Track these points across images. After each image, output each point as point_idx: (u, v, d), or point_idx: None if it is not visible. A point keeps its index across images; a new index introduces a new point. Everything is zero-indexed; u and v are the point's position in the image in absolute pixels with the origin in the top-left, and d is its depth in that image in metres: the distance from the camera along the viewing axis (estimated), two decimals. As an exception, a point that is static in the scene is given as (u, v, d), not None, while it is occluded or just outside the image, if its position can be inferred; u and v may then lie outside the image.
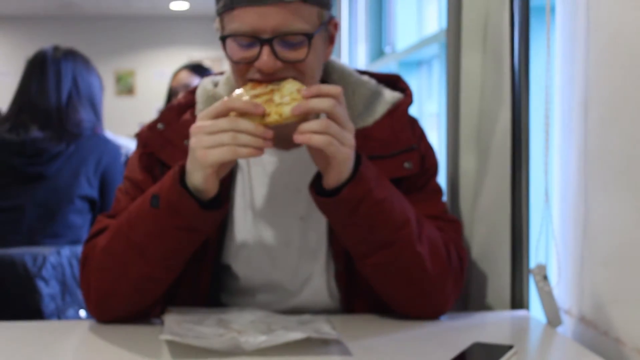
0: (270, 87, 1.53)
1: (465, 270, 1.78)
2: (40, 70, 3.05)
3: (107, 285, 1.65)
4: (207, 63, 4.49)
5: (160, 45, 16.26)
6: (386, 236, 1.60)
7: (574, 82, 1.74)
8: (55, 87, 3.02)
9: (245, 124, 1.46)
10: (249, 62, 1.57)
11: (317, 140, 1.46)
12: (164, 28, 16.20)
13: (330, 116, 1.48)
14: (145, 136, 1.77)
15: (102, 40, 10.92)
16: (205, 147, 1.46)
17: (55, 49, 3.13)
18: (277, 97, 1.51)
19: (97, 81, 3.19)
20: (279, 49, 1.55)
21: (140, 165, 1.77)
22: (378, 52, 6.10)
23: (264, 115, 1.47)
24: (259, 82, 1.55)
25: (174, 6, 14.91)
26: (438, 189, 1.83)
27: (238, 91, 1.55)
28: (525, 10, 1.87)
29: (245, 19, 1.54)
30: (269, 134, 1.46)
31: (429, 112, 4.94)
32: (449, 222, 1.79)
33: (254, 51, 1.56)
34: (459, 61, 2.08)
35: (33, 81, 3.05)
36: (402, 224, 1.60)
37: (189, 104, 1.81)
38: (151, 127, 1.79)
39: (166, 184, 1.54)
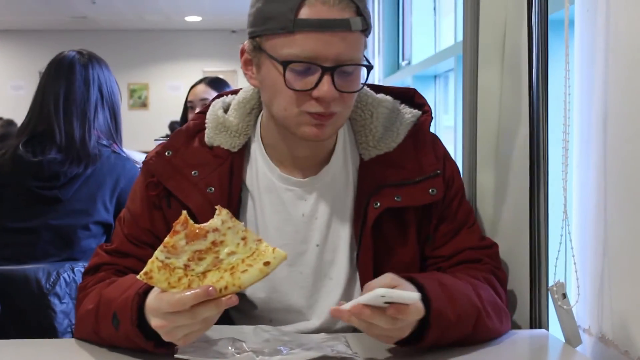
0: (210, 238, 1.40)
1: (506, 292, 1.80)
2: (67, 78, 2.93)
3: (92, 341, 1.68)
4: (221, 77, 4.43)
5: (173, 58, 16.35)
6: (464, 336, 1.58)
7: (593, 97, 1.74)
8: (83, 96, 2.93)
9: (205, 312, 1.35)
10: (305, 90, 1.55)
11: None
12: (177, 41, 16.29)
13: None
14: (153, 164, 1.76)
15: (115, 54, 10.99)
16: (170, 335, 1.41)
17: (80, 52, 3.03)
18: (223, 253, 1.40)
19: (118, 89, 3.11)
20: (336, 78, 1.54)
21: (142, 196, 1.77)
22: (394, 65, 6.11)
23: (220, 290, 1.35)
24: (193, 234, 1.39)
25: (189, 19, 14.95)
26: (470, 210, 1.84)
27: (170, 249, 1.39)
28: (543, 24, 1.87)
29: (308, 44, 1.52)
30: (233, 301, 1.36)
31: (445, 126, 4.94)
32: (486, 248, 1.80)
33: (311, 78, 1.54)
34: (476, 75, 2.07)
35: (58, 90, 2.92)
36: (476, 319, 1.59)
37: (198, 129, 1.80)
38: (159, 154, 1.77)
39: (126, 314, 1.47)
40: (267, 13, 1.56)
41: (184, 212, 1.40)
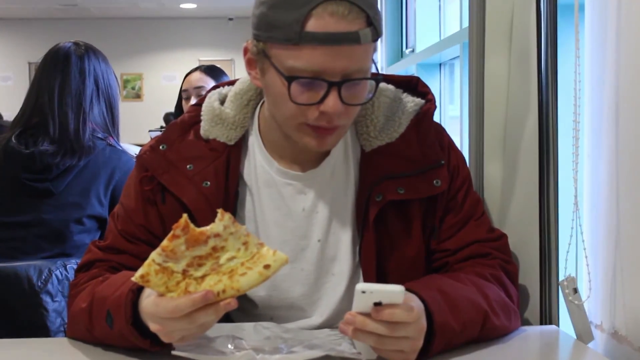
0: (210, 244, 1.39)
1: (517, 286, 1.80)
2: (63, 69, 2.95)
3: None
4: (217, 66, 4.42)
5: (168, 47, 16.35)
6: (472, 340, 1.59)
7: (604, 85, 1.74)
8: (79, 88, 2.95)
9: (203, 317, 1.36)
10: (311, 104, 1.54)
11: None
12: (172, 29, 16.29)
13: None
14: (147, 158, 1.76)
15: (107, 43, 10.91)
16: (167, 337, 1.42)
17: (77, 44, 3.04)
18: (223, 258, 1.40)
19: (115, 81, 3.11)
20: (343, 91, 1.52)
21: (136, 191, 1.77)
22: (397, 53, 6.11)
23: (218, 294, 1.35)
24: (193, 239, 1.37)
25: (184, 6, 14.95)
26: (478, 201, 1.84)
27: (168, 253, 1.37)
28: (552, 9, 1.87)
29: (314, 58, 1.50)
30: (232, 305, 1.37)
31: (450, 116, 4.94)
32: (495, 240, 1.80)
33: (317, 92, 1.52)
34: (483, 63, 2.08)
35: (54, 81, 2.94)
36: (484, 320, 1.60)
37: (193, 122, 1.80)
38: (153, 148, 1.77)
39: (120, 313, 1.49)
40: (272, 20, 1.53)
41: (185, 215, 1.38)
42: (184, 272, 1.38)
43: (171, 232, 1.37)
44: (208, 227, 1.39)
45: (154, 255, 1.37)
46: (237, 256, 1.40)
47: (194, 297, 1.34)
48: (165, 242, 1.37)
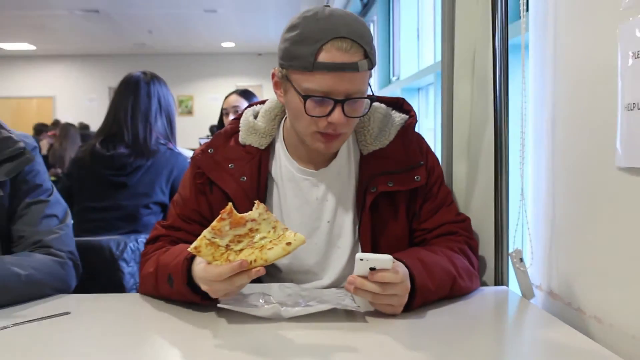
0: (248, 226, 1.41)
1: (477, 256, 1.80)
2: (134, 92, 2.98)
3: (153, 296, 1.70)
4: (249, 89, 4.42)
5: (212, 75, 16.35)
6: (443, 297, 1.61)
7: (544, 104, 1.74)
8: (146, 106, 2.97)
9: (239, 280, 1.38)
10: (321, 117, 1.54)
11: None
12: (215, 62, 16.29)
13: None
14: (199, 159, 1.76)
15: (167, 72, 10.94)
16: (214, 294, 1.45)
17: (144, 73, 3.07)
18: (257, 237, 1.42)
19: (173, 101, 3.12)
20: (345, 107, 1.53)
21: (191, 183, 1.77)
22: (386, 80, 6.10)
23: (250, 263, 1.37)
24: (235, 222, 1.40)
25: (225, 45, 14.95)
26: (448, 192, 1.83)
27: (216, 231, 1.40)
28: (505, 47, 1.87)
29: (324, 81, 1.50)
30: (261, 272, 1.37)
31: (427, 127, 4.94)
32: (461, 222, 1.80)
33: (326, 107, 1.53)
34: (452, 87, 2.07)
35: (127, 101, 2.97)
36: (452, 283, 1.61)
37: (234, 131, 1.79)
38: (203, 151, 1.77)
39: (178, 275, 1.51)
40: (293, 53, 1.53)
41: (230, 204, 1.40)
42: (227, 247, 1.40)
43: (219, 216, 1.39)
44: (247, 214, 1.41)
45: (205, 232, 1.39)
46: (267, 236, 1.41)
47: (232, 265, 1.35)
48: (214, 223, 1.39)
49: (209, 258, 1.39)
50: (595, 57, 1.47)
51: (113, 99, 3.05)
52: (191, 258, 1.50)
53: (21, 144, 1.83)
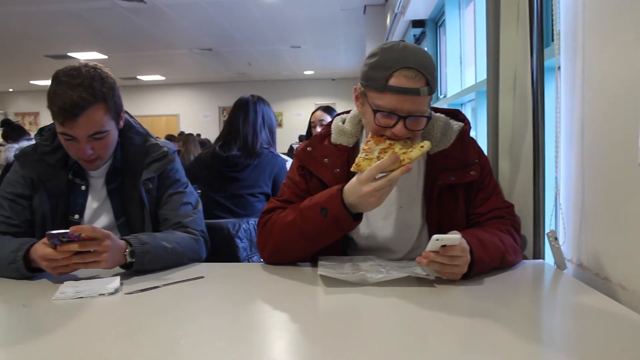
0: (387, 142, 1.50)
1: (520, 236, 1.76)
2: (245, 110, 3.04)
3: (279, 251, 1.67)
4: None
5: (296, 96, 16.44)
6: (494, 268, 1.59)
7: (574, 114, 1.69)
8: (254, 120, 3.01)
9: (395, 175, 1.42)
10: (387, 127, 1.53)
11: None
12: (299, 86, 16.36)
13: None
14: (300, 155, 1.77)
15: (262, 94, 11.11)
16: (380, 198, 1.46)
17: (253, 95, 3.12)
18: (396, 148, 1.48)
19: (274, 117, 3.16)
20: (407, 122, 1.51)
21: (297, 171, 1.78)
22: (436, 97, 6.02)
23: (401, 160, 1.44)
24: (377, 140, 1.51)
25: (306, 72, 15.01)
26: (496, 184, 1.79)
27: (367, 150, 1.50)
28: (541, 68, 1.83)
29: (391, 101, 1.49)
30: (409, 168, 1.42)
31: (471, 135, 4.86)
32: (507, 208, 1.76)
33: (391, 120, 1.51)
34: (497, 101, 2.04)
35: (239, 116, 3.03)
36: (502, 257, 1.59)
37: (326, 134, 1.80)
38: (303, 149, 1.78)
39: (334, 203, 1.51)
40: (369, 75, 1.53)
41: (370, 133, 1.54)
42: (377, 157, 1.48)
43: (366, 141, 1.53)
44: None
45: (361, 153, 1.50)
46: (403, 147, 1.49)
47: (390, 157, 1.44)
48: (363, 146, 1.52)
49: (368, 167, 1.46)
50: (617, 75, 1.42)
51: (229, 114, 3.11)
52: (341, 190, 1.52)
53: (165, 149, 1.90)
